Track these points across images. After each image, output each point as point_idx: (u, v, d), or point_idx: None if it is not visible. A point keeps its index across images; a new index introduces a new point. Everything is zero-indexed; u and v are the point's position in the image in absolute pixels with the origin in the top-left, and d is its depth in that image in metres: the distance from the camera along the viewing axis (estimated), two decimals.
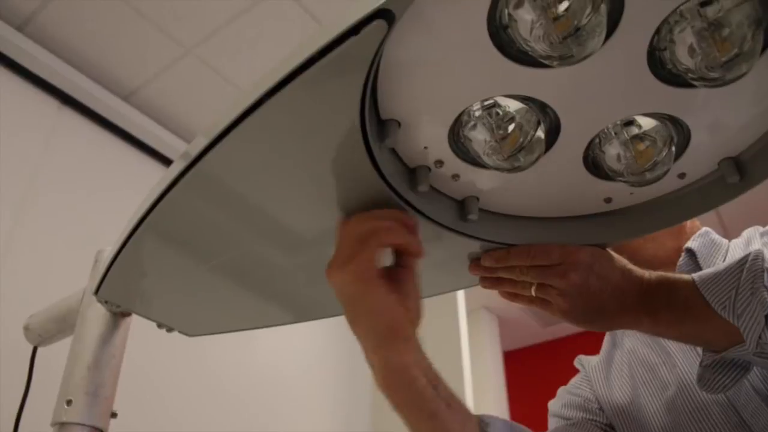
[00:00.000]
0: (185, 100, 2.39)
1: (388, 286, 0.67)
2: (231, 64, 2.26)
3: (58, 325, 1.06)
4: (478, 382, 2.95)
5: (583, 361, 1.10)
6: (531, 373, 4.54)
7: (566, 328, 4.52)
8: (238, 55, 2.22)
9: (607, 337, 1.09)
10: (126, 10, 2.05)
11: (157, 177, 0.71)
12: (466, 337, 2.83)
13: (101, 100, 2.24)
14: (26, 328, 1.12)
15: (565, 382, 1.10)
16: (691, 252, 0.98)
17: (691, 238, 1.00)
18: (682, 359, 0.90)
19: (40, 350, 1.14)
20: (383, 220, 0.67)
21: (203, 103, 2.38)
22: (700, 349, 0.82)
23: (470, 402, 2.52)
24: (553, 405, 1.06)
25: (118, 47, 2.20)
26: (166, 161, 2.40)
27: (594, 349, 1.10)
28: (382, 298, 0.66)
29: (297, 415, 2.57)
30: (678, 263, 0.98)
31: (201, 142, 0.64)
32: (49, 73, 2.11)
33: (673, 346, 0.93)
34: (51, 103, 2.13)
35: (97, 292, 0.90)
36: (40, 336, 1.11)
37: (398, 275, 0.69)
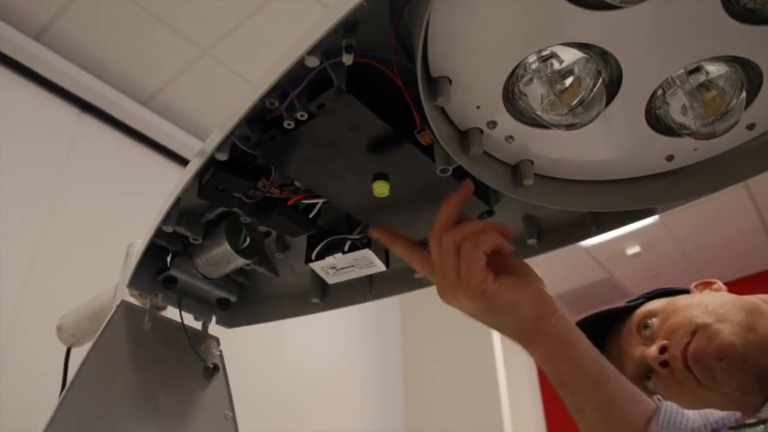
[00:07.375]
0: (203, 101, 2.38)
1: (506, 280, 0.63)
2: (248, 63, 2.25)
3: (91, 324, 1.04)
4: (512, 380, 2.90)
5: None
6: None
7: None
8: (255, 54, 2.20)
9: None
10: (141, 14, 2.04)
11: (177, 178, 0.75)
12: (499, 335, 2.78)
13: (120, 105, 2.24)
14: (59, 329, 1.10)
15: None
16: None
17: None
18: None
19: (73, 351, 1.11)
20: (474, 227, 0.64)
21: (221, 103, 2.36)
22: None
23: (505, 400, 2.47)
24: None
25: (134, 52, 2.19)
26: (186, 163, 2.39)
27: None
28: (509, 296, 0.63)
29: (330, 413, 2.54)
30: None
31: (216, 137, 0.66)
32: (68, 81, 2.11)
33: None
34: (71, 111, 2.13)
35: (131, 284, 0.88)
36: (73, 336, 1.08)
37: (500, 261, 0.65)
